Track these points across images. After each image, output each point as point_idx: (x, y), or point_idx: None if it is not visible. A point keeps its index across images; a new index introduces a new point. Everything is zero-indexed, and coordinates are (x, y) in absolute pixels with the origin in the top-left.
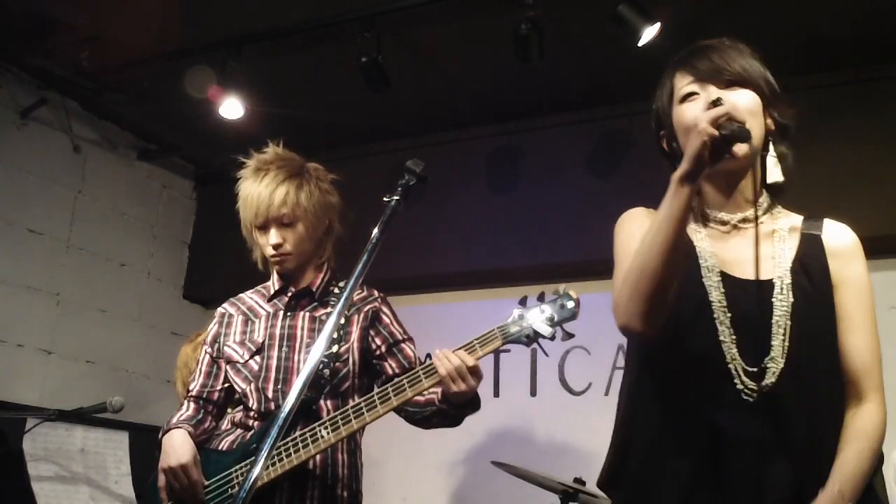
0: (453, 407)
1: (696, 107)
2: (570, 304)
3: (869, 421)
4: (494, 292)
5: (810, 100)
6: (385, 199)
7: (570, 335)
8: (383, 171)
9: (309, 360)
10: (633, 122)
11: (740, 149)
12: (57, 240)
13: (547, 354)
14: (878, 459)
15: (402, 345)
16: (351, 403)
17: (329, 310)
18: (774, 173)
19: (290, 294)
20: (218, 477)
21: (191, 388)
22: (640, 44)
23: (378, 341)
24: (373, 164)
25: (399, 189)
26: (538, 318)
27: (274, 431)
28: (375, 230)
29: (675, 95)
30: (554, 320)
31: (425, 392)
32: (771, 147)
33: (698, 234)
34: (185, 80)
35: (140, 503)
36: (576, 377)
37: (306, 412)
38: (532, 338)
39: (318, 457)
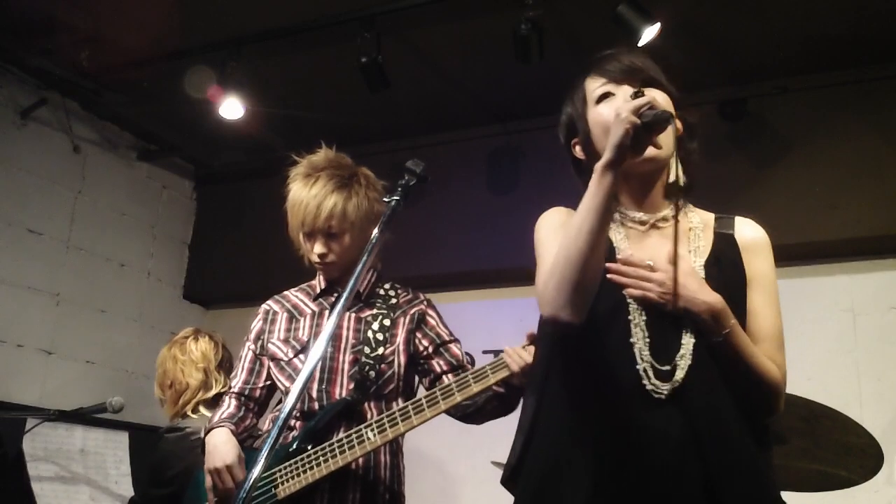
0: (512, 389)
1: (613, 103)
2: None
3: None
4: (494, 292)
5: (810, 100)
6: (385, 199)
7: None
8: (383, 171)
9: (309, 361)
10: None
11: (661, 138)
12: (57, 240)
13: None
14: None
15: (450, 345)
16: (395, 406)
17: (375, 311)
18: (675, 174)
19: (336, 295)
20: (263, 476)
21: (232, 384)
22: (640, 44)
23: (425, 343)
24: (373, 164)
25: (399, 189)
26: None
27: (274, 432)
28: (375, 230)
29: (588, 99)
30: None
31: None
32: (673, 148)
33: (618, 235)
34: (185, 80)
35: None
36: None
37: (350, 414)
38: None
39: (360, 458)
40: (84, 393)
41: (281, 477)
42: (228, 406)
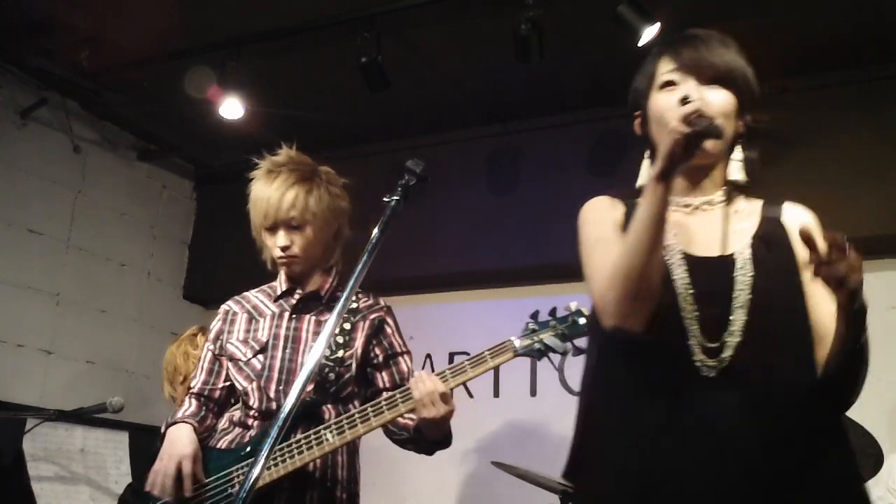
0: (424, 440)
1: (672, 98)
2: (582, 321)
3: None
4: (494, 292)
5: (810, 100)
6: (385, 199)
7: (580, 350)
8: (383, 171)
9: (308, 362)
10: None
11: (711, 145)
12: (57, 240)
13: (557, 368)
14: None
15: (399, 358)
16: (353, 408)
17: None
18: (736, 174)
19: (297, 296)
20: (218, 475)
21: (192, 384)
22: (640, 44)
23: (377, 351)
24: (372, 164)
25: (399, 189)
26: (550, 333)
27: (274, 432)
28: (375, 230)
29: (655, 80)
30: (566, 336)
31: (405, 416)
32: (737, 150)
33: None
34: (185, 80)
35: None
36: (576, 377)
37: (309, 415)
38: (543, 352)
39: (318, 459)
40: (84, 393)
41: (238, 476)
42: (189, 406)
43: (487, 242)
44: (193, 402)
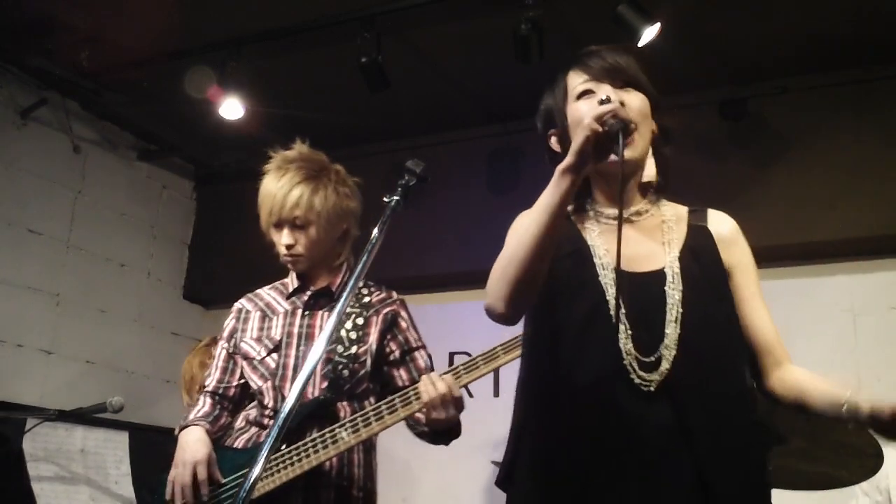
0: (436, 434)
1: (590, 104)
2: None
3: (800, 369)
4: None
5: (810, 100)
6: (385, 199)
7: None
8: (383, 171)
9: (309, 360)
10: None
11: (629, 153)
12: (57, 240)
13: None
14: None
15: (416, 353)
16: (368, 405)
17: (348, 310)
18: (650, 174)
19: (309, 293)
20: (235, 476)
21: (206, 383)
22: (640, 44)
23: (393, 346)
24: (372, 164)
25: (399, 189)
26: None
27: (274, 431)
28: (375, 230)
29: (569, 93)
30: None
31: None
32: (650, 150)
33: (592, 233)
34: (185, 80)
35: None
36: None
37: (323, 413)
38: None
39: (333, 457)
40: (84, 393)
41: None
42: (203, 405)
43: (487, 242)
44: (207, 400)
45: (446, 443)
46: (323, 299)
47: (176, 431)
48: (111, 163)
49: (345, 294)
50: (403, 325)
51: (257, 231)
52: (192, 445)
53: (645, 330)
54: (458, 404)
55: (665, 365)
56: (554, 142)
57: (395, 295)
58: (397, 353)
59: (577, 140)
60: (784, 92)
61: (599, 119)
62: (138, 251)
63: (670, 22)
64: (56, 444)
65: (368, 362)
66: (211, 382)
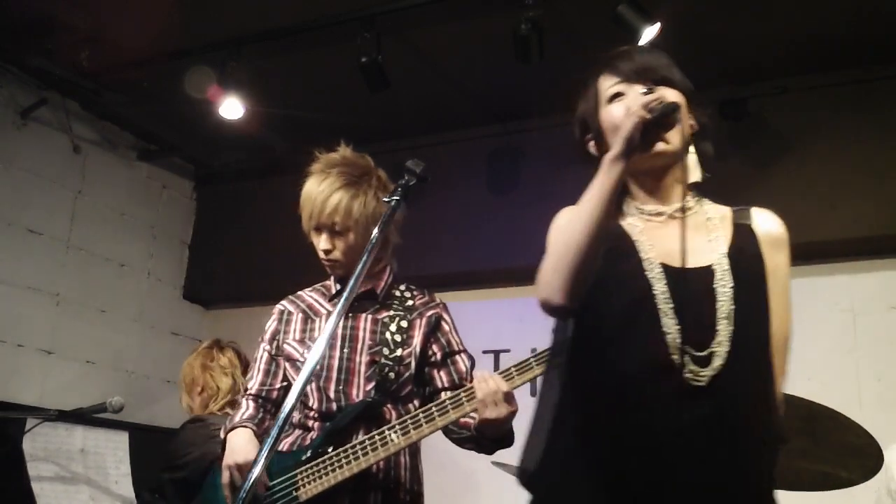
0: (486, 439)
1: (624, 103)
2: None
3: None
4: (494, 292)
5: (810, 100)
6: (385, 199)
7: None
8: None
9: (308, 362)
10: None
11: (671, 136)
12: (57, 240)
13: None
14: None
15: (457, 356)
16: (412, 408)
17: (392, 312)
18: (695, 173)
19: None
20: (282, 479)
21: (248, 385)
22: (641, 43)
23: (435, 348)
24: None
25: (399, 189)
26: None
27: (274, 431)
28: (375, 230)
29: (601, 97)
30: None
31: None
32: (692, 147)
33: (636, 228)
34: (185, 80)
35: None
36: None
37: (370, 415)
38: None
39: (381, 460)
40: (84, 393)
41: (302, 479)
42: (247, 408)
43: (487, 242)
44: (251, 403)
45: (493, 451)
46: (367, 301)
47: (221, 434)
48: (111, 163)
49: (345, 294)
50: (446, 328)
51: (257, 231)
52: (244, 447)
53: (694, 325)
54: (511, 401)
55: (718, 361)
56: (591, 147)
57: (437, 298)
58: (439, 356)
59: (624, 127)
60: (784, 92)
61: (646, 106)
62: (138, 251)
63: (670, 22)
64: (56, 444)
65: (412, 365)
66: (254, 385)
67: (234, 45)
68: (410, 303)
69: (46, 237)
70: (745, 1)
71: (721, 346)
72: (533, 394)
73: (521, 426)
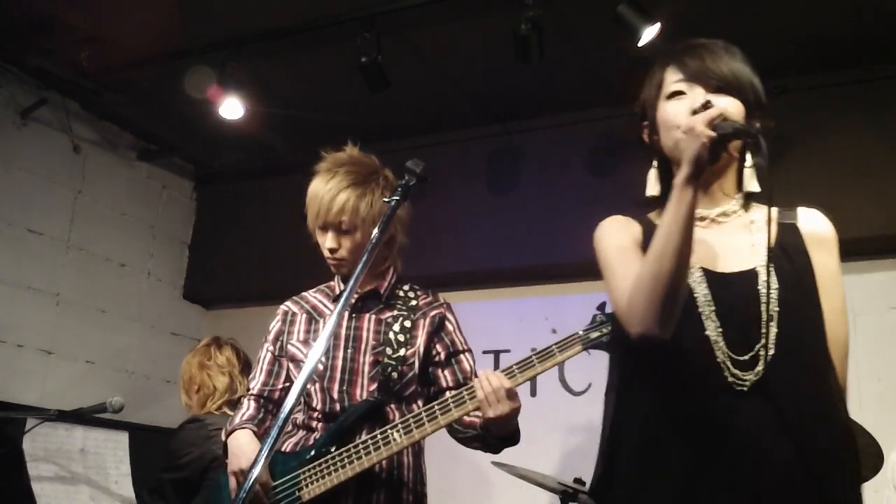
0: (491, 437)
1: (680, 107)
2: None
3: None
4: (494, 292)
5: (810, 100)
6: (385, 199)
7: None
8: None
9: (308, 361)
10: (633, 122)
11: (733, 146)
12: (57, 240)
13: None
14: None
15: (462, 356)
16: (416, 408)
17: (395, 312)
18: (751, 184)
19: (356, 296)
20: (285, 479)
21: (251, 386)
22: (640, 44)
23: (439, 348)
24: None
25: (399, 189)
26: None
27: (274, 432)
28: (375, 230)
29: (662, 90)
30: None
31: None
32: (748, 157)
33: None
34: (185, 80)
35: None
36: (576, 377)
37: (374, 415)
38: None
39: (384, 460)
40: (84, 393)
41: (305, 479)
42: (248, 408)
43: (487, 242)
44: (252, 403)
45: (500, 450)
46: (371, 301)
47: (223, 437)
48: (111, 163)
49: (345, 295)
50: (450, 327)
51: (257, 231)
52: (246, 450)
53: (736, 328)
54: (514, 398)
55: (761, 364)
56: (645, 133)
57: (441, 298)
58: (443, 355)
59: (690, 149)
60: (784, 92)
61: (710, 125)
62: (138, 251)
63: (670, 22)
64: (56, 444)
65: (416, 364)
66: (256, 385)
67: (234, 45)
68: (414, 303)
69: (46, 237)
70: (745, 1)
71: (765, 348)
72: (533, 394)
73: (522, 426)
